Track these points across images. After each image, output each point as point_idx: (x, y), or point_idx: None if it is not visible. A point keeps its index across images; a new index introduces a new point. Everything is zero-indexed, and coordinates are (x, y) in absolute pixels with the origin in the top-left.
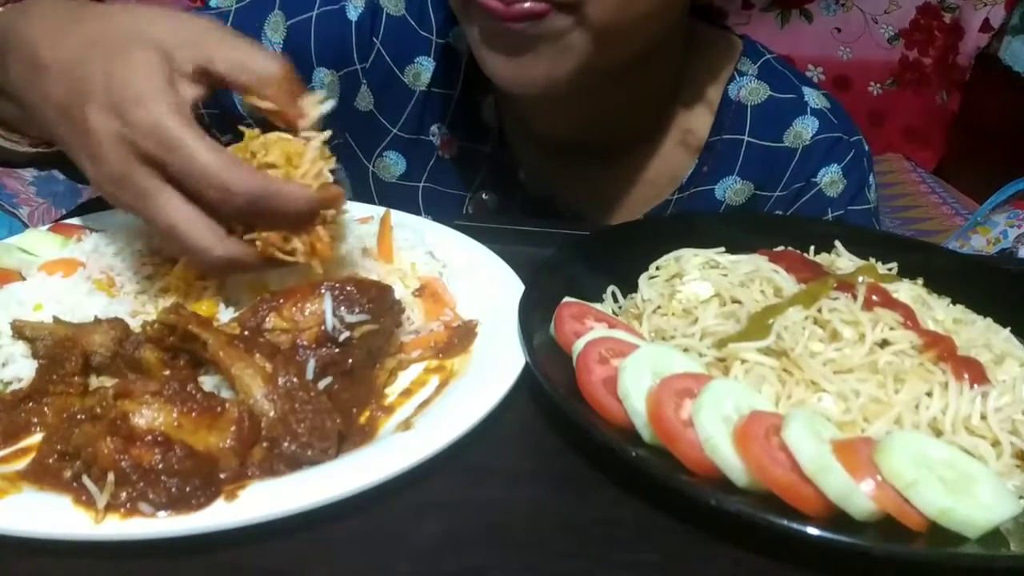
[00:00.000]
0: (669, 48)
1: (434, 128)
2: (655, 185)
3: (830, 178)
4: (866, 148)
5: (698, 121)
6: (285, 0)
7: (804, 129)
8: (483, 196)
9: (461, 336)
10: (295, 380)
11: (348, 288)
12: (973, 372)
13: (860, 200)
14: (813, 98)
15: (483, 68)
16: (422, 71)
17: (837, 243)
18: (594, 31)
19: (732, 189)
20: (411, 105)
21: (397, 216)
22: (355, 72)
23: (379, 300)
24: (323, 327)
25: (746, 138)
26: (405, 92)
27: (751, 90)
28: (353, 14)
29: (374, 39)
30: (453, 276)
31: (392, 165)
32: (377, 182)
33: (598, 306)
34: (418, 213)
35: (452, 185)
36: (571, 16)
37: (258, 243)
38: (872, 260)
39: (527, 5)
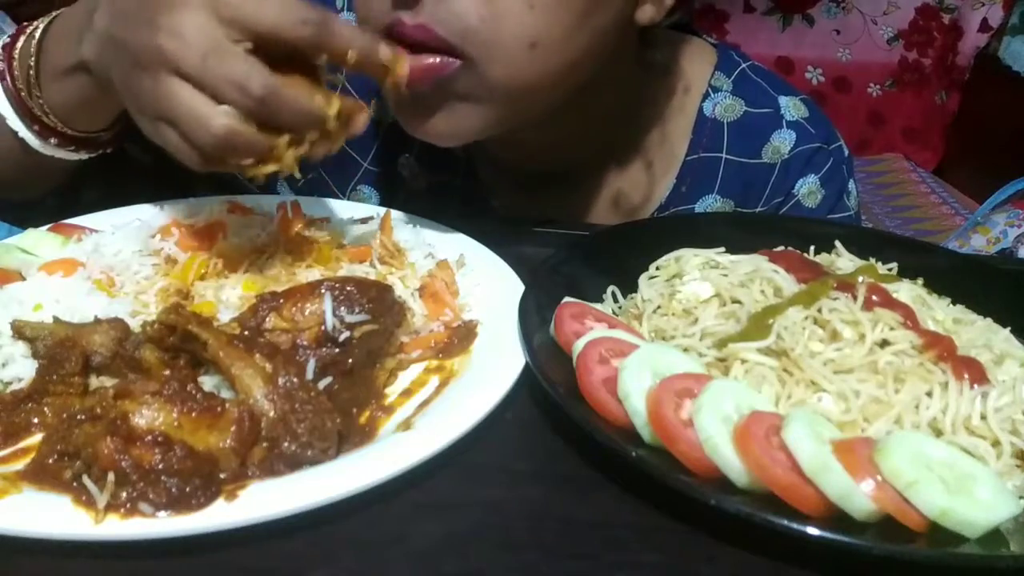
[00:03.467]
0: (617, 76)
1: (402, 160)
2: (632, 206)
3: (808, 189)
4: (846, 154)
5: (673, 140)
6: None
7: (782, 143)
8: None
9: (461, 336)
10: (295, 380)
11: (348, 288)
12: (973, 372)
13: (840, 208)
14: (789, 109)
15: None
16: (386, 105)
17: (837, 243)
18: (498, 91)
19: (712, 208)
20: (378, 138)
21: (397, 216)
22: None
23: (379, 300)
24: (323, 327)
25: (724, 156)
26: (371, 126)
27: (726, 106)
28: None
29: (339, 75)
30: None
31: (367, 199)
32: None
33: (598, 306)
34: None
35: (425, 217)
36: (471, 76)
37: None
38: (872, 260)
39: (428, 61)
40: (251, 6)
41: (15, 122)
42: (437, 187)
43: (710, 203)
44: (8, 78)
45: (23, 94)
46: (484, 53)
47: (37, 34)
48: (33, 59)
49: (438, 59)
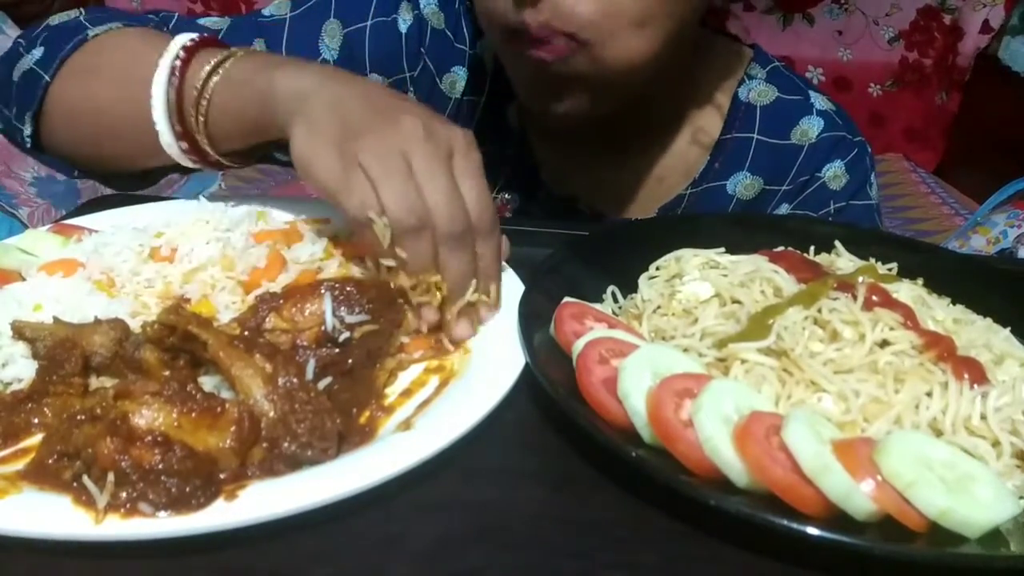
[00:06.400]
0: (678, 55)
1: None
2: (669, 181)
3: (833, 172)
4: (869, 149)
5: (709, 121)
6: (340, 9)
7: (810, 128)
8: (505, 196)
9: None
10: (295, 380)
11: (348, 288)
12: (973, 372)
13: (861, 196)
14: (819, 101)
15: (519, 96)
16: (457, 80)
17: (837, 243)
18: (612, 70)
19: (742, 184)
20: (447, 112)
21: None
22: (404, 80)
23: (379, 300)
24: (323, 327)
25: (755, 136)
26: (443, 99)
27: (760, 92)
28: (403, 26)
29: (421, 49)
30: None
31: None
32: None
33: (598, 306)
34: None
35: None
36: (588, 58)
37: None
38: (872, 260)
39: (551, 45)
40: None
41: (167, 136)
42: (490, 156)
43: (741, 179)
44: (174, 88)
45: (185, 108)
46: (599, 38)
47: (221, 68)
48: (206, 89)
49: (560, 43)
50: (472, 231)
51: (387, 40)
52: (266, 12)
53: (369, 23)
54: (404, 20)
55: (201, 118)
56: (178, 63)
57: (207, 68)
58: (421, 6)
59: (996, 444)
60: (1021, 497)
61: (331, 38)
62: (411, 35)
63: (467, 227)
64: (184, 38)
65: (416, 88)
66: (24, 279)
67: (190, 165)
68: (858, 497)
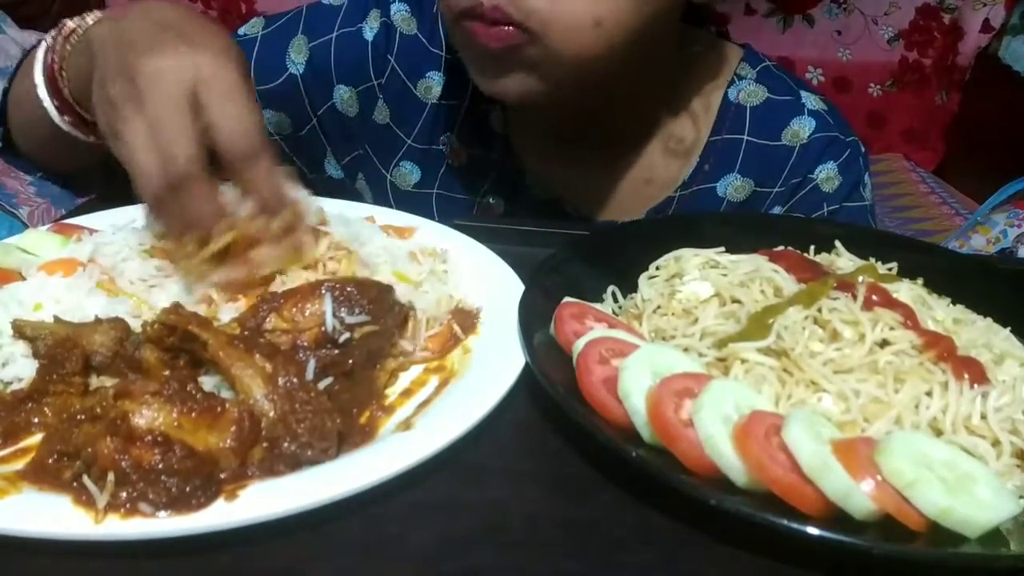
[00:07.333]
0: (660, 55)
1: (444, 138)
2: (657, 183)
3: (826, 174)
4: (862, 149)
5: (698, 122)
6: (307, 24)
7: (801, 128)
8: (489, 201)
9: (461, 320)
10: (295, 380)
11: (348, 289)
12: (973, 372)
13: (855, 197)
14: (811, 101)
15: (472, 77)
16: (433, 85)
17: (837, 243)
18: (563, 63)
19: (733, 186)
20: (423, 117)
21: (396, 216)
22: (372, 88)
23: (379, 301)
24: (323, 328)
25: (745, 137)
26: (418, 105)
27: (750, 92)
28: (369, 34)
29: (388, 56)
30: (453, 276)
31: (408, 174)
32: (395, 190)
33: (598, 306)
34: (432, 219)
35: (462, 191)
36: (538, 48)
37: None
38: (872, 260)
39: (499, 28)
40: (222, 92)
41: (44, 94)
42: (474, 161)
43: (731, 181)
44: (53, 54)
45: (57, 69)
46: (547, 30)
47: (81, 29)
48: (67, 43)
49: (508, 28)
50: (189, 174)
51: (352, 50)
52: (240, 31)
53: (335, 35)
54: (371, 28)
55: (65, 74)
56: (65, 31)
57: (78, 30)
58: (391, 13)
59: (996, 444)
60: (1021, 497)
61: (297, 53)
62: (377, 42)
63: (188, 167)
64: (80, 18)
65: (385, 94)
66: (24, 279)
67: (75, 133)
68: (858, 497)
